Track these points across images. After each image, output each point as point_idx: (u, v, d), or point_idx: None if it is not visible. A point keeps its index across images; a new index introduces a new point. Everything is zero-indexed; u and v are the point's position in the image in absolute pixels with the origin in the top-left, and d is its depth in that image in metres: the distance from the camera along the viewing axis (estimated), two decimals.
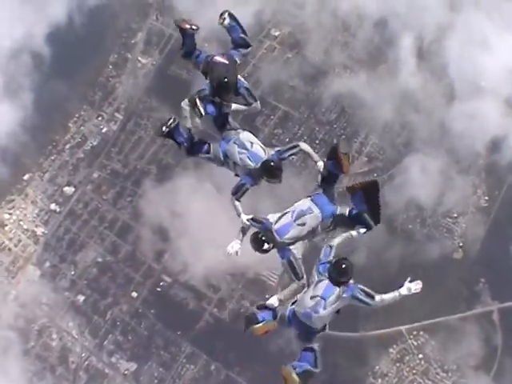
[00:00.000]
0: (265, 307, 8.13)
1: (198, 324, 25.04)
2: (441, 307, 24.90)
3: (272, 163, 8.07)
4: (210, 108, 8.38)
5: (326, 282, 7.50)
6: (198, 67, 8.70)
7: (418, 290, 7.59)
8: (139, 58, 27.51)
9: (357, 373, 24.82)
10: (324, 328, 7.78)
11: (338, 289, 7.45)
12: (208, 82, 8.33)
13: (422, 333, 24.82)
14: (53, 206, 26.62)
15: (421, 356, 24.69)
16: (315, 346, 7.80)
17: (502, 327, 24.77)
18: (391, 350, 24.67)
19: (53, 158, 26.90)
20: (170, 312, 25.34)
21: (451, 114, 25.77)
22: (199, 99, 8.22)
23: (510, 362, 24.49)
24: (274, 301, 8.06)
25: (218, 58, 8.41)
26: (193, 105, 8.21)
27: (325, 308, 7.41)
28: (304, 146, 8.56)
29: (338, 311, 7.64)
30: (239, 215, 8.46)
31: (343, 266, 7.47)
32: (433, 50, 26.36)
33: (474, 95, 25.77)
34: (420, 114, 25.82)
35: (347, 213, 8.07)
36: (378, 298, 7.49)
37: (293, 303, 7.84)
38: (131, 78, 27.09)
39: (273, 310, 8.03)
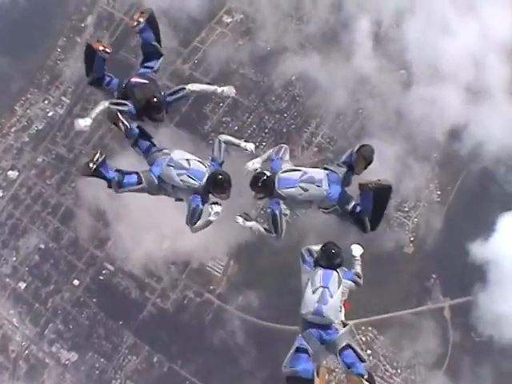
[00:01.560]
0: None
1: (141, 314, 24.21)
2: (390, 302, 24.06)
3: (220, 176, 7.65)
4: (134, 130, 8.09)
5: (320, 271, 7.41)
6: (112, 94, 8.33)
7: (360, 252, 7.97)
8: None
9: None
10: (344, 325, 7.48)
11: (334, 272, 7.40)
12: (131, 104, 7.95)
13: (370, 328, 23.94)
14: None
15: (369, 352, 23.83)
16: (346, 343, 7.37)
17: (453, 324, 24.01)
18: None
19: None
20: (113, 301, 24.46)
21: (409, 100, 24.70)
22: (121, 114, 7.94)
23: (461, 358, 23.66)
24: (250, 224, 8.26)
25: (137, 79, 8.10)
26: (115, 120, 7.98)
27: (331, 296, 7.26)
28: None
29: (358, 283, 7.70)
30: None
31: (333, 249, 7.51)
32: (390, 33, 25.18)
33: (432, 81, 24.65)
34: (375, 100, 24.78)
35: (351, 207, 7.79)
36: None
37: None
38: (80, 62, 26.04)
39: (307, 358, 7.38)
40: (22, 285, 25.16)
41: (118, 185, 7.85)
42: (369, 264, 24.64)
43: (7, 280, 25.30)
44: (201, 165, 7.77)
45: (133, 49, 25.52)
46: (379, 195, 7.69)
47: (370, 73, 24.62)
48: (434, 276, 24.18)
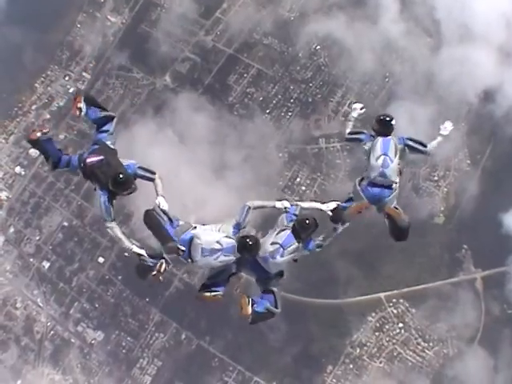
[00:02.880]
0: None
1: (168, 290, 23.44)
2: (421, 274, 23.30)
3: (248, 240, 7.82)
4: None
5: (288, 232, 7.96)
6: (76, 173, 8.15)
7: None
8: (108, 17, 25.87)
9: (334, 342, 23.20)
10: (281, 274, 8.25)
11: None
12: (99, 187, 7.75)
13: (401, 300, 23.17)
14: (17, 169, 25.14)
15: (401, 325, 23.09)
16: (274, 289, 8.15)
17: (486, 295, 23.25)
18: (370, 318, 23.06)
19: (18, 119, 25.45)
20: (139, 279, 23.88)
21: (439, 62, 23.86)
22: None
23: (494, 330, 22.93)
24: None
25: (92, 159, 7.81)
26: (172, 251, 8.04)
27: (282, 256, 7.92)
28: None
29: (295, 260, 8.20)
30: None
31: (307, 222, 7.91)
32: None
33: (463, 42, 23.78)
34: (403, 64, 24.01)
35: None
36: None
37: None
38: (100, 37, 25.49)
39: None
40: (46, 264, 24.52)
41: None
42: None
43: (31, 260, 24.65)
44: (229, 239, 7.90)
45: (154, 22, 25.13)
46: (394, 227, 8.88)
47: (397, 36, 23.79)
48: (465, 247, 23.44)
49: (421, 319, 23.17)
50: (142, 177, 8.08)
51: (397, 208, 8.71)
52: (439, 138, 8.87)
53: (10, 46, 25.12)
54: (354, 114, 9.09)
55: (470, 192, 23.61)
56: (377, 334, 23.12)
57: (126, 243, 8.09)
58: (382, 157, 8.37)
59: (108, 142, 8.09)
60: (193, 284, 23.40)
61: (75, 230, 24.46)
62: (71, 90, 25.18)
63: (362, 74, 24.16)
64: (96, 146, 8.05)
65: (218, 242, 7.84)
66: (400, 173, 8.65)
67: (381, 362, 23.02)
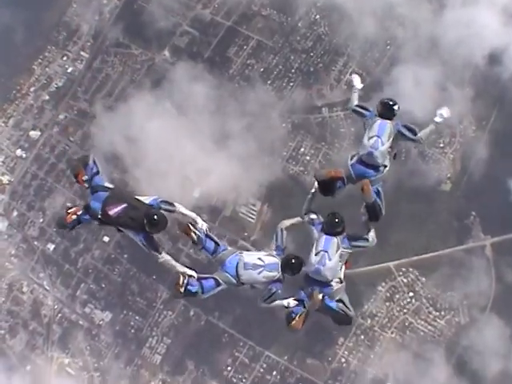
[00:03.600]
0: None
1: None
2: (430, 242, 22.86)
3: (293, 260, 8.32)
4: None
5: (324, 237, 8.26)
6: (90, 223, 8.31)
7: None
8: None
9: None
10: (341, 281, 8.47)
11: (335, 239, 8.25)
12: (132, 233, 7.92)
13: (411, 269, 22.77)
14: (18, 152, 24.79)
15: (411, 294, 22.70)
16: (339, 298, 8.45)
17: (496, 262, 22.90)
18: (380, 288, 22.69)
19: (17, 102, 25.09)
20: (145, 256, 23.37)
21: (443, 25, 23.33)
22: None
23: (505, 297, 22.69)
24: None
25: (114, 210, 7.80)
26: (186, 231, 8.52)
27: (330, 259, 8.17)
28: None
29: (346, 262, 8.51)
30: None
31: (336, 219, 8.31)
32: None
33: (466, 3, 23.30)
34: (406, 29, 23.48)
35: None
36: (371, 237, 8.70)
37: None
38: (96, 15, 25.10)
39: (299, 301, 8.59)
40: (51, 246, 24.15)
41: (202, 292, 8.56)
42: (406, 204, 23.88)
43: (35, 243, 24.30)
44: (272, 258, 8.40)
45: None
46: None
47: (398, 1, 23.30)
48: (473, 213, 23.00)
49: (431, 288, 22.76)
50: (166, 210, 8.20)
51: (379, 191, 8.70)
52: (432, 126, 8.71)
53: (6, 28, 24.84)
54: (358, 85, 9.15)
55: (477, 158, 23.15)
56: (387, 304, 22.74)
57: (179, 268, 8.66)
58: (375, 138, 8.38)
59: (106, 184, 8.07)
60: (200, 259, 23.08)
61: None
62: (69, 70, 24.84)
63: (363, 42, 23.72)
64: (101, 193, 7.94)
65: (259, 259, 8.37)
66: (394, 157, 8.77)
67: (392, 333, 22.65)
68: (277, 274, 8.35)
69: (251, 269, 8.33)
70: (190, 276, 8.59)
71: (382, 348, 22.72)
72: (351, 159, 8.67)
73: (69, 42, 25.24)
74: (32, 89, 25.11)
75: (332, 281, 8.35)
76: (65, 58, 25.02)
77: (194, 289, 8.51)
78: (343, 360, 22.81)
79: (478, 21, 22.93)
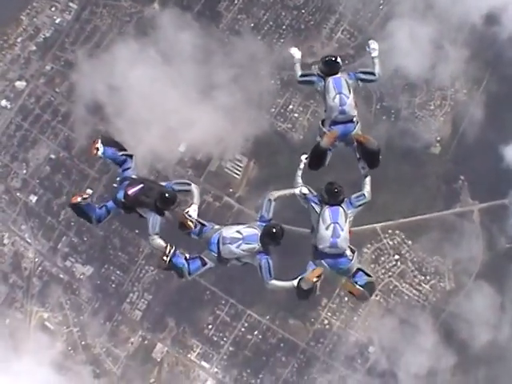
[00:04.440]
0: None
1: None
2: (417, 205, 22.52)
3: (274, 229, 8.23)
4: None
5: (328, 209, 8.21)
6: (119, 213, 8.88)
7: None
8: None
9: (328, 275, 22.75)
10: (353, 252, 8.50)
11: (340, 208, 8.21)
12: (148, 210, 8.48)
13: (397, 232, 22.43)
14: (3, 103, 24.06)
15: (397, 257, 22.38)
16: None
17: (483, 228, 22.58)
18: (365, 249, 22.29)
19: (3, 52, 24.35)
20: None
21: None
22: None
23: (492, 264, 22.35)
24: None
25: (133, 189, 8.41)
26: (182, 220, 8.79)
27: (342, 229, 8.16)
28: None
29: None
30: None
31: (335, 189, 8.30)
32: None
33: None
34: None
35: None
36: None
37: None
38: None
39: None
40: (33, 198, 23.60)
41: (188, 272, 8.64)
42: (394, 165, 23.57)
43: (18, 194, 23.71)
44: (251, 229, 8.34)
45: None
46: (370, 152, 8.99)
47: None
48: (462, 178, 22.68)
49: (417, 251, 22.49)
50: (180, 191, 8.70)
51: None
52: (376, 61, 9.05)
53: None
54: (297, 57, 9.22)
55: (467, 122, 22.82)
56: (372, 266, 22.33)
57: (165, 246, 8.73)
58: (338, 96, 8.49)
59: (134, 176, 8.74)
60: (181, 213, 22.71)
61: (63, 162, 23.48)
62: (57, 21, 24.22)
63: (356, 0, 23.39)
64: (126, 174, 8.77)
65: (238, 232, 8.27)
66: (355, 105, 8.81)
67: (376, 295, 22.23)
68: (256, 245, 8.24)
69: (229, 243, 8.28)
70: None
71: (365, 311, 22.40)
72: (324, 126, 8.85)
73: None
74: (19, 39, 24.38)
75: (346, 250, 8.35)
76: (53, 9, 24.35)
77: (179, 263, 8.58)
78: (326, 322, 22.52)
79: None
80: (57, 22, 24.22)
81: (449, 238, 22.48)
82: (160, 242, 8.65)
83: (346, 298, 22.46)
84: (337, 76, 8.63)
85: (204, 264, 8.64)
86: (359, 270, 8.55)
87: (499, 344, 21.65)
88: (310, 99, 22.85)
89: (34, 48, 24.25)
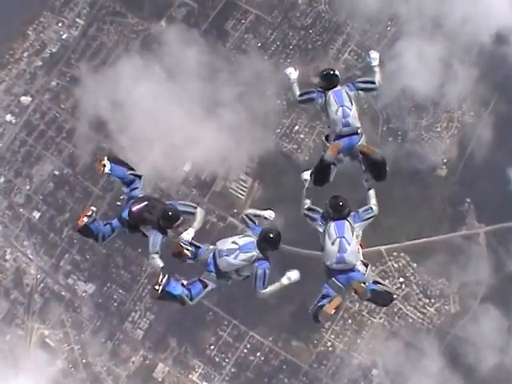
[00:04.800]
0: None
1: None
2: (423, 228, 22.31)
3: (270, 234, 7.86)
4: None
5: (333, 224, 7.78)
6: (123, 232, 8.61)
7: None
8: None
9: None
10: (366, 265, 7.94)
11: (346, 222, 7.77)
12: (151, 228, 8.18)
13: (402, 254, 22.20)
14: (8, 118, 24.05)
15: (402, 279, 22.14)
16: (373, 280, 7.95)
17: (489, 251, 22.33)
18: None
19: (10, 67, 24.39)
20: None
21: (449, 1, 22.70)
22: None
23: (497, 288, 22.10)
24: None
25: (137, 206, 8.23)
26: (178, 250, 8.13)
27: (349, 243, 7.72)
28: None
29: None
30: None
31: (340, 202, 7.86)
32: None
33: None
34: (410, 5, 22.85)
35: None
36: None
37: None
38: None
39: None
40: (37, 214, 23.50)
41: (189, 298, 8.11)
42: (400, 187, 23.27)
43: (21, 210, 23.61)
44: (247, 237, 7.98)
45: None
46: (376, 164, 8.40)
47: None
48: (468, 200, 22.51)
49: (422, 274, 22.26)
50: (184, 212, 8.36)
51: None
52: (377, 70, 8.66)
53: None
54: (294, 77, 8.83)
55: (474, 144, 22.68)
56: None
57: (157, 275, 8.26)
58: (340, 108, 8.21)
59: (140, 195, 8.47)
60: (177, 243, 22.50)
61: (66, 178, 23.43)
62: (64, 37, 24.24)
63: (363, 21, 23.20)
64: (133, 194, 8.48)
65: (233, 243, 7.88)
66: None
67: (381, 318, 22.08)
68: (255, 253, 7.84)
69: (226, 255, 7.86)
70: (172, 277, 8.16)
71: (369, 333, 22.15)
72: (328, 141, 8.51)
73: (65, 9, 24.56)
74: (25, 54, 24.41)
75: (356, 265, 7.89)
76: (60, 25, 24.36)
77: (177, 291, 7.96)
78: (329, 344, 22.27)
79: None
80: (63, 37, 24.19)
81: (454, 261, 22.25)
82: (158, 262, 8.31)
83: (350, 321, 22.27)
84: (337, 89, 8.35)
85: (205, 286, 8.18)
86: (375, 282, 8.08)
87: (506, 367, 21.37)
88: (316, 120, 22.67)
89: (40, 63, 24.25)
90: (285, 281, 8.08)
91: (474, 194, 22.45)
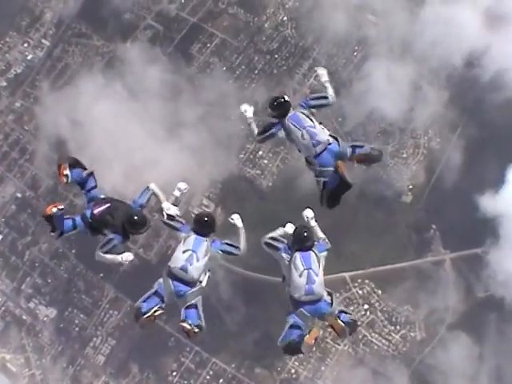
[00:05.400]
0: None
1: (122, 266, 22.30)
2: (388, 254, 22.02)
3: (136, 217, 7.93)
4: None
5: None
6: (85, 232, 8.42)
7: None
8: None
9: None
10: (330, 294, 8.07)
11: (205, 242, 7.83)
12: (115, 235, 8.06)
13: (367, 281, 21.88)
14: None
15: (366, 306, 21.84)
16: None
17: (455, 278, 22.12)
18: None
19: None
20: (93, 252, 22.61)
21: (422, 20, 22.56)
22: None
23: (464, 314, 21.98)
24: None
25: (99, 209, 8.11)
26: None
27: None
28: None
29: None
30: None
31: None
32: None
33: (447, 2, 22.45)
34: (380, 27, 22.79)
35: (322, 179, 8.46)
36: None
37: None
38: (61, 3, 24.04)
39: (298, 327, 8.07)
40: None
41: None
42: (364, 213, 23.10)
43: None
44: (188, 239, 7.92)
45: None
46: (343, 184, 8.26)
47: None
48: (433, 227, 22.25)
49: (387, 301, 22.00)
50: (147, 201, 8.34)
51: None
52: (327, 85, 8.62)
53: None
54: (250, 114, 8.71)
55: (440, 171, 22.53)
56: None
57: (116, 258, 8.40)
58: (303, 131, 8.11)
59: (102, 196, 8.33)
60: (149, 259, 22.22)
61: (29, 201, 23.10)
62: (29, 57, 23.95)
63: (330, 46, 23.06)
64: (91, 195, 8.34)
65: (184, 252, 7.86)
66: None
67: (345, 345, 21.77)
68: (205, 242, 7.89)
69: (190, 264, 7.82)
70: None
71: (333, 360, 21.86)
72: (309, 163, 8.45)
73: (31, 29, 24.19)
74: None
75: (324, 295, 7.97)
76: (25, 45, 24.01)
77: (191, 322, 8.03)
78: (293, 371, 21.96)
79: (457, 20, 22.23)
80: (28, 58, 23.86)
81: (420, 288, 22.02)
82: (109, 256, 8.29)
83: (314, 348, 22.00)
84: (291, 113, 8.27)
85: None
86: (341, 311, 8.15)
87: None
88: (280, 146, 22.47)
89: (5, 84, 23.90)
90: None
91: (439, 221, 22.21)
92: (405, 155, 22.63)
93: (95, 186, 8.37)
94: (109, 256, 8.20)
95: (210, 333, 22.09)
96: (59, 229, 8.31)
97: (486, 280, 21.74)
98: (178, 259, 7.79)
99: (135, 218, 7.85)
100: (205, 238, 7.91)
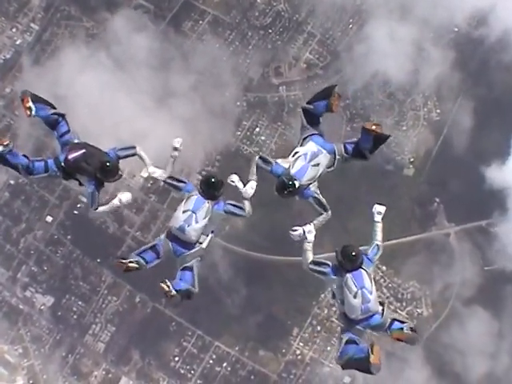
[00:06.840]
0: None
1: (120, 250, 21.38)
2: (391, 229, 21.29)
3: (108, 163, 7.69)
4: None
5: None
6: (56, 176, 8.10)
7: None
8: None
9: (300, 303, 21.47)
10: (382, 304, 7.89)
11: (206, 203, 7.62)
12: (88, 183, 7.82)
13: None
14: None
15: None
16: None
17: (460, 251, 21.57)
18: None
19: None
20: (89, 237, 21.78)
21: None
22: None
23: (469, 288, 21.44)
24: (309, 228, 8.00)
25: (74, 154, 7.81)
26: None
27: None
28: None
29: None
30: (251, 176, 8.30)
31: (352, 252, 7.65)
32: None
33: None
34: None
35: (343, 149, 8.10)
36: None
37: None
38: None
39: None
40: None
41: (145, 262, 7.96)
42: (366, 188, 22.43)
43: None
44: (189, 199, 7.78)
45: None
46: (378, 140, 8.08)
47: None
48: (437, 200, 21.72)
49: (392, 277, 21.50)
50: (126, 156, 8.05)
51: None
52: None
53: None
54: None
55: (442, 142, 21.94)
56: None
57: (112, 204, 8.10)
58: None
59: (76, 141, 8.02)
60: (146, 242, 21.56)
61: (22, 188, 22.36)
62: (18, 42, 23.25)
63: (325, 19, 22.50)
64: (64, 139, 8.03)
65: (184, 212, 7.70)
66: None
67: None
68: (207, 204, 7.67)
69: (188, 225, 7.65)
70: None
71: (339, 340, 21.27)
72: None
73: (19, 14, 23.33)
74: None
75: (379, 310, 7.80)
76: (14, 30, 23.25)
77: (183, 285, 7.79)
78: (298, 352, 21.41)
79: None
80: (17, 43, 23.17)
81: (424, 263, 21.48)
82: (102, 208, 8.00)
83: (319, 328, 21.40)
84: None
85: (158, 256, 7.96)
86: (394, 320, 7.91)
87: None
88: (278, 121, 21.90)
89: None
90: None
91: (443, 194, 21.68)
92: (405, 128, 22.03)
93: (68, 131, 8.04)
94: (102, 208, 7.95)
95: (211, 316, 21.75)
96: (15, 166, 7.82)
97: (495, 253, 21.21)
98: (177, 219, 7.67)
99: (107, 164, 7.62)
100: (207, 200, 7.69)
